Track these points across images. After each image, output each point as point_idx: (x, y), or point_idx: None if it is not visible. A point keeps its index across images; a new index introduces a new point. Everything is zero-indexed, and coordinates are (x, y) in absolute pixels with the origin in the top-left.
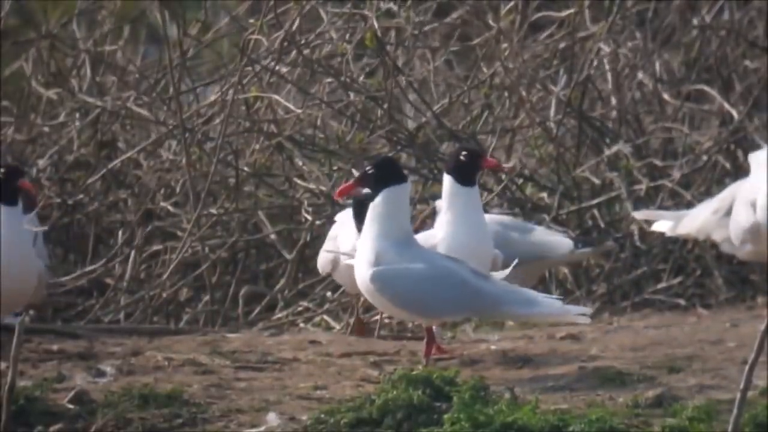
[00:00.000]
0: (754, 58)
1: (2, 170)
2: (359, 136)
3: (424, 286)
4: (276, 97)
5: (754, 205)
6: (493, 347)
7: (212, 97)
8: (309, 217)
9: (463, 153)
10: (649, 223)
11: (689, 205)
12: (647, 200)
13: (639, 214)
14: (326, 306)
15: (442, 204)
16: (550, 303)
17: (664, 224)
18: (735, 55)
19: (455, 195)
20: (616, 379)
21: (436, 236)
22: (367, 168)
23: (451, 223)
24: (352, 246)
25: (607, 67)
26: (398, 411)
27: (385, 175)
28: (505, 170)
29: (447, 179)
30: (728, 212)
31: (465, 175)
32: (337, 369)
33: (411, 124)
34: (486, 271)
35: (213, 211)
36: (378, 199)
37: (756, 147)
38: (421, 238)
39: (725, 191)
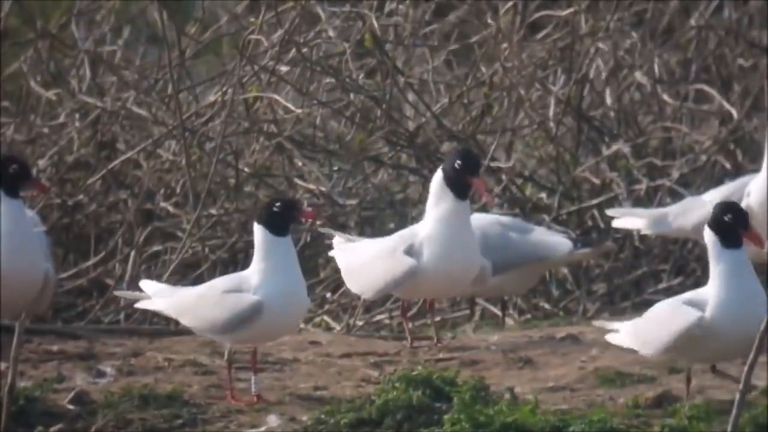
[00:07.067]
0: (752, 58)
1: (11, 165)
2: (359, 137)
3: None
4: (276, 96)
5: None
6: (493, 347)
7: (212, 98)
8: None
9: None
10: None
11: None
12: (647, 200)
13: (611, 212)
14: (326, 306)
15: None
16: None
17: (636, 222)
18: (733, 55)
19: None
20: (617, 380)
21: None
22: None
23: None
24: None
25: (602, 66)
26: (398, 411)
27: None
28: None
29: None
30: None
31: None
32: (337, 369)
33: (410, 125)
34: None
35: (213, 211)
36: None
37: (755, 146)
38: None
39: (724, 187)
